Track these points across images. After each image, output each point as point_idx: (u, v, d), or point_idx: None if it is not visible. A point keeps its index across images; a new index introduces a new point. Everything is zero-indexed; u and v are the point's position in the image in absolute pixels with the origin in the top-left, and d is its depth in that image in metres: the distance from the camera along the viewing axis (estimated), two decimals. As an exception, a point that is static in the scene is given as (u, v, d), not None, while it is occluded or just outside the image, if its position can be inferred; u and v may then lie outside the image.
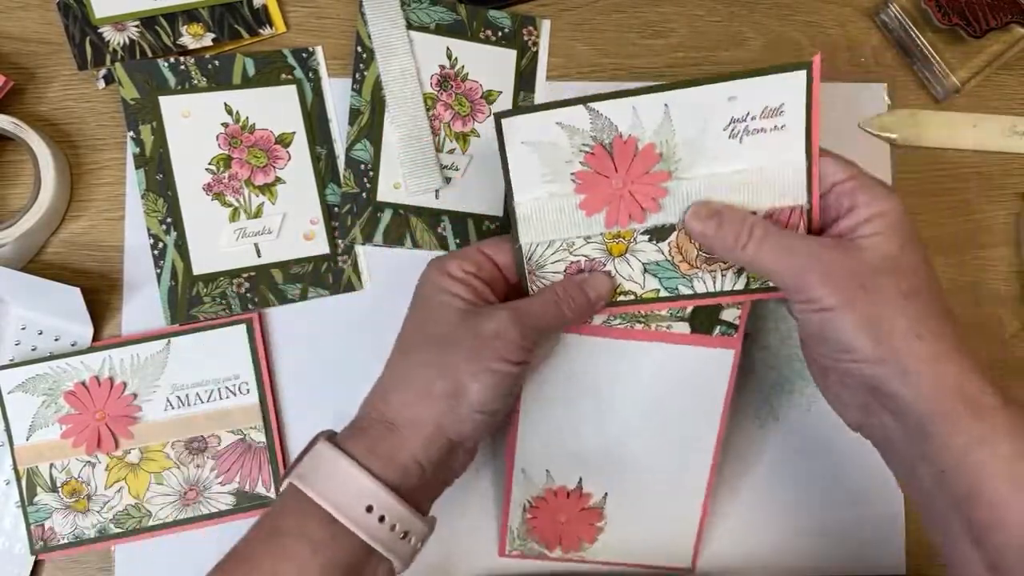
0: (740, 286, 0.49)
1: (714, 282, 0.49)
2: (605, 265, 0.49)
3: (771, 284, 0.48)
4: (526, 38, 0.60)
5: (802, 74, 0.44)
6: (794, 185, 0.46)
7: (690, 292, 0.49)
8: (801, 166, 0.45)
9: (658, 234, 0.48)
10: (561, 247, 0.48)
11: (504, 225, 0.59)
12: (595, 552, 0.56)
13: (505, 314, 0.45)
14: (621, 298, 0.49)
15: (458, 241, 0.58)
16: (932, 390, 0.41)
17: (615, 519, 0.55)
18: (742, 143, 0.45)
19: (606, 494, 0.54)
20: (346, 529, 0.42)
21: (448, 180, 0.58)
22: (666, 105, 0.45)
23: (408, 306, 0.49)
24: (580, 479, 0.54)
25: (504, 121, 0.46)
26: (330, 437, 0.46)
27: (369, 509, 0.42)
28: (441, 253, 0.58)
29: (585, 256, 0.48)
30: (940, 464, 0.42)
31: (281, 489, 0.45)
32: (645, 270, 0.49)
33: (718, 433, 0.52)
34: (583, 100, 0.45)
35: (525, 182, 0.47)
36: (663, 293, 0.49)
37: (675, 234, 0.47)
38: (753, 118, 0.45)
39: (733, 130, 0.45)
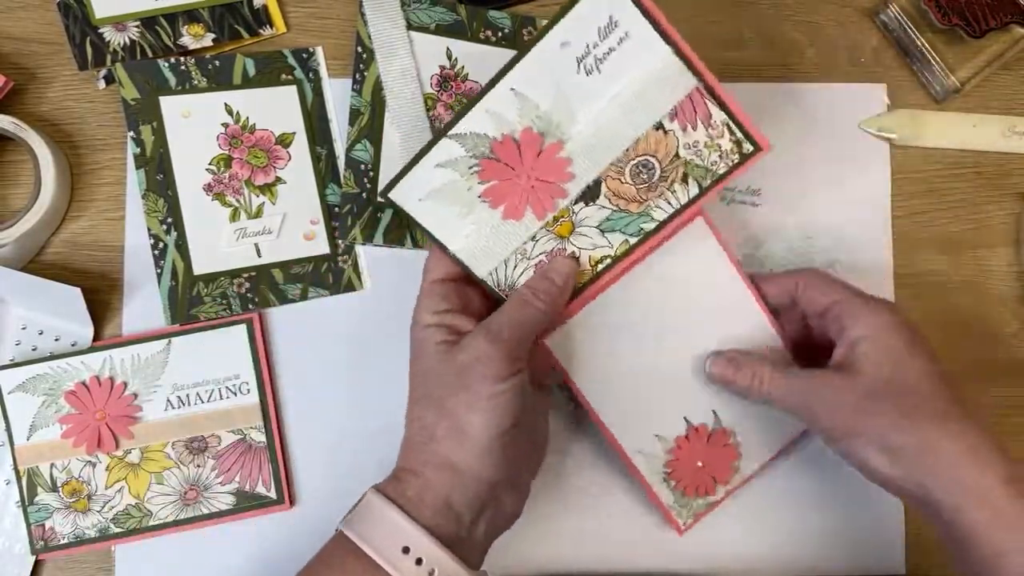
0: (695, 192, 0.48)
1: (669, 203, 0.48)
2: (566, 249, 0.49)
3: (721, 173, 0.48)
4: (526, 38, 0.60)
5: None
6: (675, 73, 0.45)
7: (654, 224, 0.49)
8: (668, 54, 0.44)
9: (590, 195, 0.48)
10: (519, 259, 0.49)
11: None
12: (750, 461, 0.54)
13: (478, 338, 0.45)
14: (601, 267, 0.50)
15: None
16: (951, 497, 0.43)
17: (739, 423, 0.54)
18: (601, 72, 0.44)
19: (714, 411, 0.53)
20: (387, 573, 0.42)
21: (448, 180, 0.58)
22: (512, 89, 0.44)
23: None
24: (684, 417, 0.53)
25: (391, 195, 0.46)
26: (377, 486, 0.46)
27: (406, 551, 0.43)
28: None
29: (543, 252, 0.49)
30: (968, 566, 0.44)
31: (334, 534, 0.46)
32: (602, 231, 0.49)
33: (742, 279, 0.51)
34: (442, 134, 0.44)
35: (448, 230, 0.47)
36: (632, 240, 0.49)
37: (603, 185, 0.47)
38: (595, 45, 0.44)
39: (585, 68, 0.44)
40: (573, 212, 0.48)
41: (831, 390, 0.46)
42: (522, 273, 0.49)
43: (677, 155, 0.47)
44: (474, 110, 0.44)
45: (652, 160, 0.47)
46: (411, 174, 0.45)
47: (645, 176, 0.47)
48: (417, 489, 0.44)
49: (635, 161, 0.47)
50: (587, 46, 0.43)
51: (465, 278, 0.49)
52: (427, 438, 0.45)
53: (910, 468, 0.44)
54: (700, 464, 0.54)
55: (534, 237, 0.48)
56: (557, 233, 0.48)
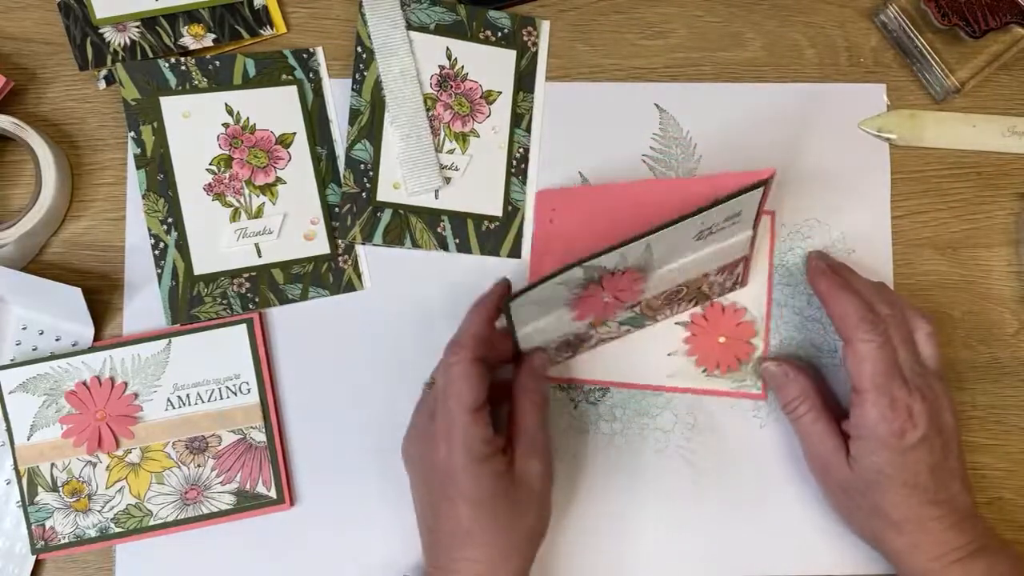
0: (695, 310, 0.58)
1: (672, 312, 0.58)
2: (589, 333, 0.55)
3: (713, 299, 0.58)
4: (525, 38, 0.60)
5: (761, 189, 0.48)
6: (740, 247, 0.53)
7: (653, 323, 0.58)
8: (748, 236, 0.53)
9: (632, 304, 0.54)
10: (554, 338, 0.54)
11: (499, 230, 0.59)
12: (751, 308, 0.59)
13: (533, 460, 0.49)
14: (600, 344, 0.58)
15: (457, 241, 0.58)
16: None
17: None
18: (707, 240, 0.50)
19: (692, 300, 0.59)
20: None
21: (448, 180, 0.58)
22: (648, 244, 0.48)
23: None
24: (674, 323, 0.59)
25: (512, 305, 0.48)
26: None
27: None
28: (441, 254, 0.58)
29: (573, 334, 0.54)
30: None
31: None
32: (620, 324, 0.56)
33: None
34: (579, 263, 0.47)
35: (526, 321, 0.51)
36: (631, 329, 0.58)
37: (645, 300, 0.54)
38: (717, 224, 0.49)
39: (700, 236, 0.50)
40: (616, 314, 0.54)
41: (832, 466, 0.52)
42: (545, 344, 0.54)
43: (700, 288, 0.56)
44: (612, 253, 0.47)
45: (683, 288, 0.55)
46: (536, 289, 0.48)
47: (672, 297, 0.55)
48: None
49: (674, 288, 0.54)
50: (713, 224, 0.49)
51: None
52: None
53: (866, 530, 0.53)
54: (721, 340, 0.58)
55: (578, 327, 0.54)
56: (592, 324, 0.54)
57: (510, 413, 0.51)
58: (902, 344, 0.51)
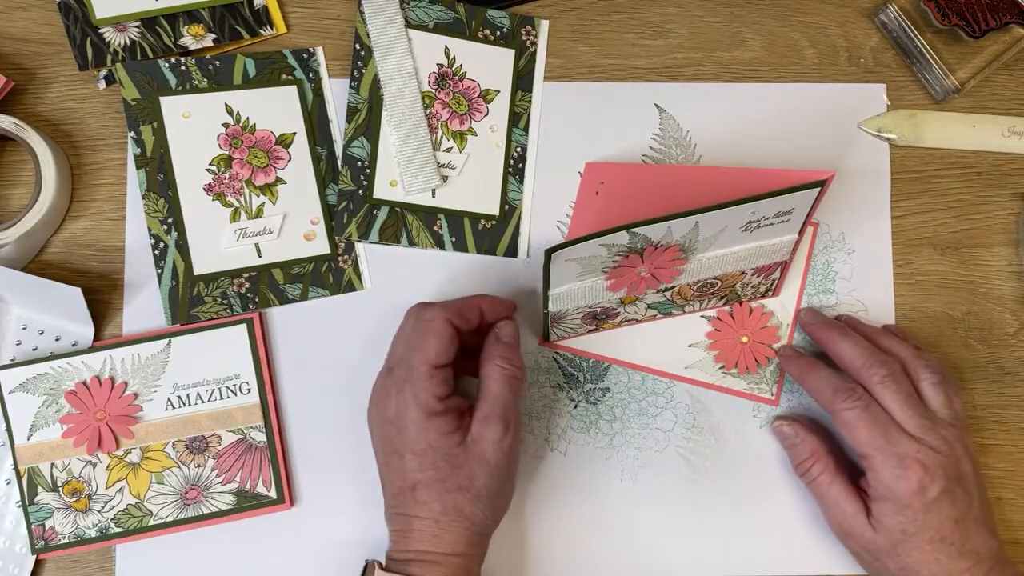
0: (723, 306, 0.58)
1: (700, 306, 0.58)
2: (616, 309, 0.55)
3: (742, 301, 0.58)
4: (524, 38, 0.60)
5: (816, 190, 0.48)
6: (782, 250, 0.53)
7: (680, 312, 0.58)
8: (793, 240, 0.53)
9: (666, 288, 0.54)
10: (579, 305, 0.54)
11: (496, 228, 0.59)
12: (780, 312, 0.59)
13: (491, 427, 0.49)
14: (623, 324, 0.58)
15: (454, 240, 0.58)
16: None
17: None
18: (753, 233, 0.51)
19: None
20: None
21: (445, 179, 0.58)
22: (696, 222, 0.48)
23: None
24: (701, 316, 0.58)
25: (553, 256, 0.48)
26: None
27: None
28: (442, 255, 0.58)
29: (601, 306, 0.54)
30: None
31: None
32: (648, 307, 0.56)
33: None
34: (626, 227, 0.47)
35: (562, 280, 0.51)
36: (658, 315, 0.58)
37: (679, 286, 0.54)
38: (766, 219, 0.50)
39: (747, 227, 0.50)
40: (646, 293, 0.54)
41: (849, 524, 0.52)
42: (576, 312, 0.54)
43: (733, 287, 0.56)
44: (661, 223, 0.47)
45: (717, 282, 0.55)
46: (579, 245, 0.48)
47: (705, 289, 0.55)
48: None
49: (709, 280, 0.54)
50: (762, 217, 0.50)
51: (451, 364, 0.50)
52: (436, 527, 0.48)
53: None
54: (744, 340, 0.58)
55: (608, 300, 0.54)
56: (622, 300, 0.54)
57: (479, 382, 0.50)
58: (906, 399, 0.51)
